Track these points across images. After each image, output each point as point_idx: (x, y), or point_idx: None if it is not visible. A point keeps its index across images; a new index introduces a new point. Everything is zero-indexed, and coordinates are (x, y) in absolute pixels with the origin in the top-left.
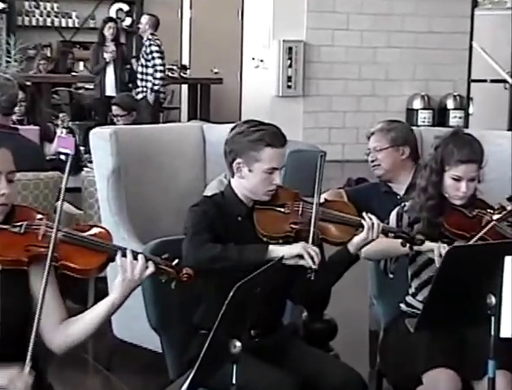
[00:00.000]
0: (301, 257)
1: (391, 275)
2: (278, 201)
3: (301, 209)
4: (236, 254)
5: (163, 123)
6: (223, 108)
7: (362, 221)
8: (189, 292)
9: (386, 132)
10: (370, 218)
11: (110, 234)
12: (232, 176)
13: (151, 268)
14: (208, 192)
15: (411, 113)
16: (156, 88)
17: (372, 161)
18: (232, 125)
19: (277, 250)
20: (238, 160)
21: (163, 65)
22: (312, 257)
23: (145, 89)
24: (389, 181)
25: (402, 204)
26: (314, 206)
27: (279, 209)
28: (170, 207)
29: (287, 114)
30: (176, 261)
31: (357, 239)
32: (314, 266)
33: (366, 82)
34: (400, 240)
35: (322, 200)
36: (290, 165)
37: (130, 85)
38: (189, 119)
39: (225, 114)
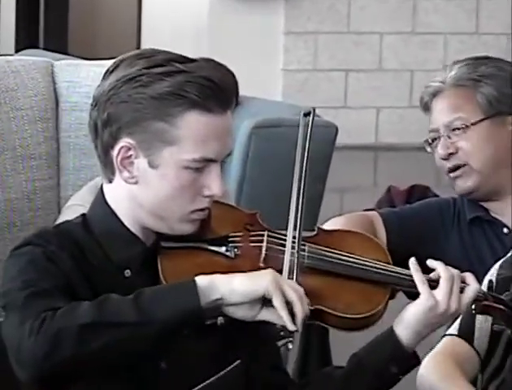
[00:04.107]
0: (266, 301)
1: None
2: (214, 231)
3: (265, 247)
4: (134, 312)
5: None
6: (101, 28)
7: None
8: None
9: (471, 87)
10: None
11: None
12: (110, 180)
13: None
14: (67, 214)
15: None
16: None
17: (445, 157)
18: (112, 61)
19: (222, 284)
20: (126, 142)
21: None
22: (291, 307)
23: None
24: (487, 199)
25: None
26: (289, 240)
27: (216, 249)
28: None
29: (245, 37)
30: None
31: (412, 308)
32: (292, 327)
33: None
34: None
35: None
36: (253, 153)
37: None
38: (18, 50)
39: (107, 41)
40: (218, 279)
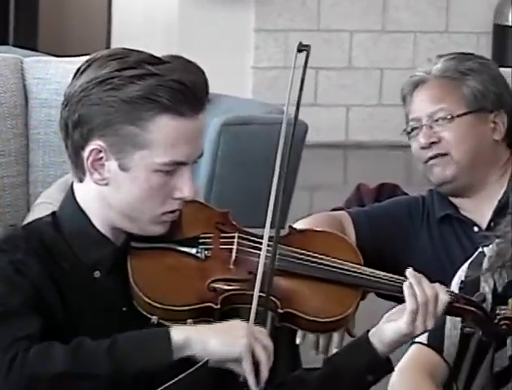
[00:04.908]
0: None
1: None
2: (184, 232)
3: (235, 248)
4: (108, 363)
5: None
6: (71, 25)
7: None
8: None
9: (458, 80)
10: (420, 282)
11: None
12: (80, 179)
13: None
14: (36, 211)
15: (503, 32)
16: None
17: (426, 146)
18: (84, 59)
19: (197, 343)
20: (96, 144)
21: None
22: (256, 361)
23: None
24: (460, 194)
25: (479, 250)
26: (265, 240)
27: (186, 250)
28: None
29: (215, 34)
30: None
31: (390, 331)
32: (256, 389)
33: None
34: None
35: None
36: (222, 151)
37: None
38: None
39: (77, 40)
40: (193, 336)
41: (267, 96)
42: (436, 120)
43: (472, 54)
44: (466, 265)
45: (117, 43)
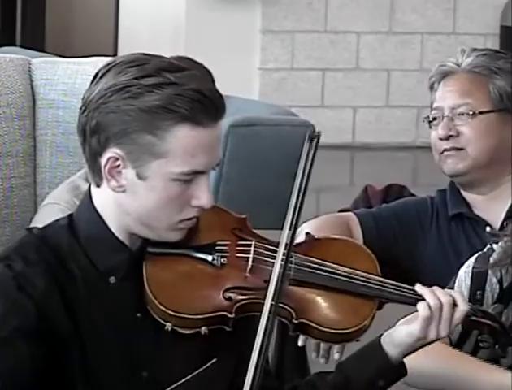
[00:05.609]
0: None
1: None
2: (201, 238)
3: (251, 258)
4: None
5: None
6: (78, 26)
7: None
8: None
9: (487, 77)
10: (431, 290)
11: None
12: (97, 184)
13: None
14: (43, 212)
15: (509, 34)
16: None
17: (444, 137)
18: (101, 62)
19: None
20: (114, 152)
21: None
22: None
23: None
24: (471, 187)
25: (487, 247)
26: (281, 250)
27: (202, 256)
28: None
29: (222, 35)
30: None
31: (402, 334)
32: None
33: None
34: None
35: (301, 235)
36: (229, 152)
37: None
38: None
39: (84, 41)
40: None
41: (274, 97)
42: (459, 114)
43: (505, 53)
44: (473, 258)
45: (124, 44)
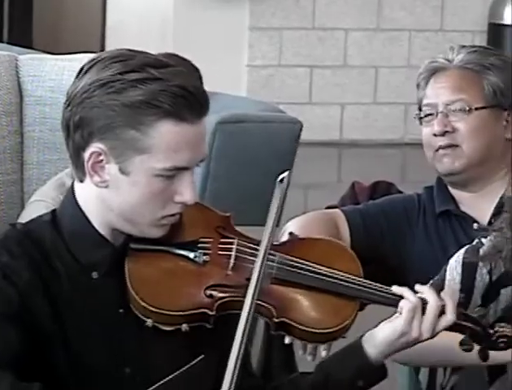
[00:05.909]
0: None
1: None
2: (184, 236)
3: (233, 255)
4: None
5: None
6: (66, 22)
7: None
8: None
9: (479, 73)
10: (417, 292)
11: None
12: (81, 180)
13: None
14: (30, 209)
15: (497, 31)
16: None
17: (439, 134)
18: (85, 58)
19: None
20: (97, 147)
21: None
22: None
23: None
24: (464, 186)
25: (476, 241)
26: (263, 249)
27: (184, 253)
28: None
29: (210, 32)
30: None
31: (385, 330)
32: None
33: None
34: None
35: (284, 234)
36: (217, 149)
37: None
38: None
39: (72, 37)
40: None
41: (262, 94)
42: (454, 110)
43: (495, 50)
44: (463, 249)
45: (112, 41)
